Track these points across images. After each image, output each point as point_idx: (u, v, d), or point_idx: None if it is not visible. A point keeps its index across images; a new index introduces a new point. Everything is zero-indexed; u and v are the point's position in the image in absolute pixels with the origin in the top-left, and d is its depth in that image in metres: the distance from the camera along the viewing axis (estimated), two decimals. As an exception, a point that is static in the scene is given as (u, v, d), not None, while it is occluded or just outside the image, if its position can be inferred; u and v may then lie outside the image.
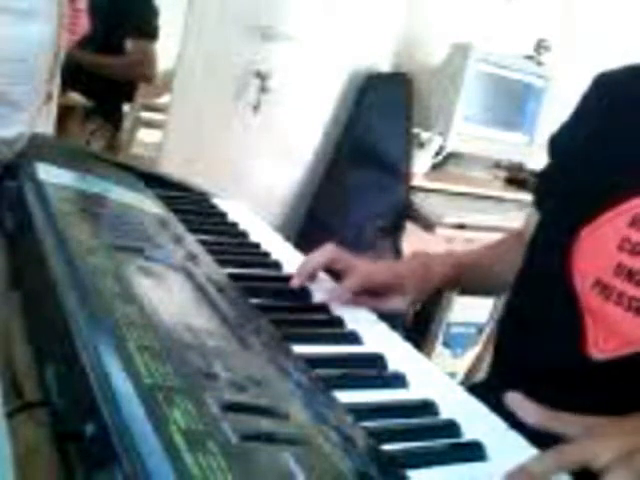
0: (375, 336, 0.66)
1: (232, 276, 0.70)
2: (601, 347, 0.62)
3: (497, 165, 2.23)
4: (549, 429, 0.49)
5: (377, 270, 0.78)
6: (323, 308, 0.72)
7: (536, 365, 0.69)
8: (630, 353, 0.60)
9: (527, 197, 2.08)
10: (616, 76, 0.74)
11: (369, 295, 0.76)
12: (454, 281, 0.85)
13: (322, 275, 0.79)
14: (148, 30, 2.23)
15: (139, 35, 2.20)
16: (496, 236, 1.83)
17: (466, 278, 0.86)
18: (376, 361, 0.61)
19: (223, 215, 0.98)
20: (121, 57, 2.21)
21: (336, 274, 0.79)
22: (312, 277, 0.75)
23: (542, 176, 0.83)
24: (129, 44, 2.19)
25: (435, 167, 1.99)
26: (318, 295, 0.74)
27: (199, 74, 1.71)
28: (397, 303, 0.78)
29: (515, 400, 0.51)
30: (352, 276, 0.74)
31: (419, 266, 0.82)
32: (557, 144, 0.80)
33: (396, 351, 0.64)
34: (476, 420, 0.54)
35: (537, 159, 2.11)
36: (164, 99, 2.25)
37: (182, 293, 0.59)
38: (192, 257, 0.69)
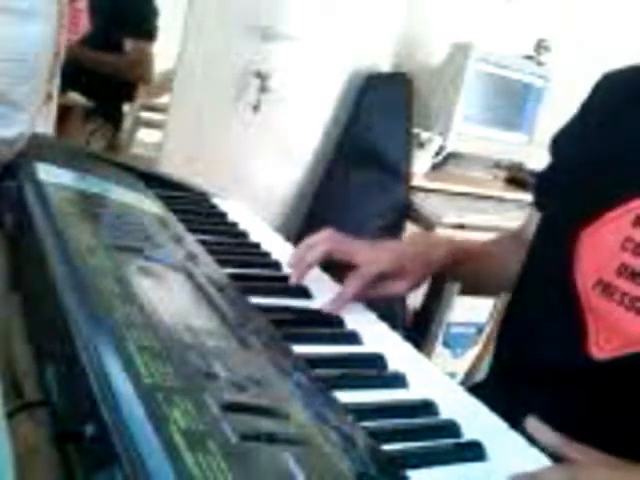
0: (375, 336, 0.66)
1: (232, 276, 0.70)
2: (602, 347, 0.62)
3: (497, 165, 2.23)
4: (563, 454, 0.51)
5: (379, 259, 0.76)
6: (323, 308, 0.72)
7: (537, 365, 0.69)
8: (631, 353, 0.60)
9: (527, 197, 2.08)
10: (620, 76, 0.74)
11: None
12: (452, 267, 0.83)
13: (323, 276, 0.79)
14: (147, 31, 2.22)
15: (138, 35, 2.20)
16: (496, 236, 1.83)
17: (463, 267, 0.85)
18: (376, 361, 0.61)
19: (223, 215, 0.98)
20: (120, 56, 2.21)
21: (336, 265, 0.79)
22: (310, 267, 0.74)
23: (542, 176, 0.83)
24: (128, 44, 2.19)
25: (435, 167, 1.99)
26: (319, 297, 0.74)
27: (199, 74, 1.71)
28: (397, 287, 0.76)
29: (534, 424, 0.53)
30: (353, 278, 0.72)
31: (420, 251, 0.81)
32: (559, 144, 0.80)
33: (396, 351, 0.64)
34: (476, 420, 0.54)
35: (537, 159, 2.11)
36: (164, 99, 2.25)
37: (182, 293, 0.59)
38: (192, 257, 0.69)
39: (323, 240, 0.74)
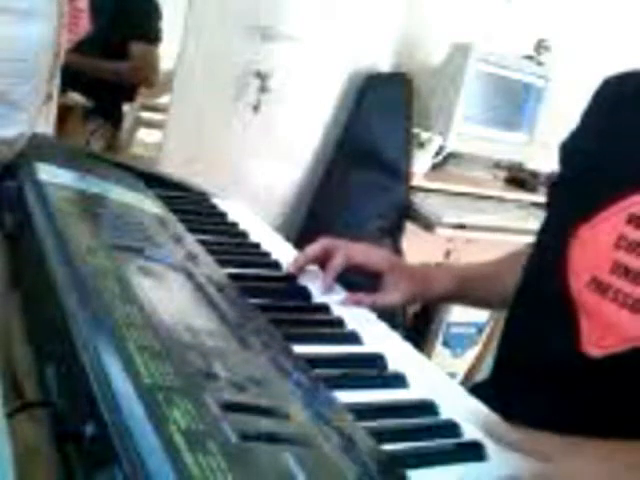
0: (375, 336, 0.66)
1: (232, 276, 0.70)
2: (597, 344, 0.63)
3: (497, 165, 2.23)
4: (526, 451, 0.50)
5: (370, 254, 0.80)
6: (323, 308, 0.72)
7: (535, 364, 0.69)
8: (626, 350, 0.60)
9: (527, 197, 2.08)
10: (619, 79, 0.75)
11: (366, 291, 0.77)
12: (455, 294, 0.86)
13: (320, 272, 0.79)
14: (152, 34, 2.22)
15: (143, 39, 2.19)
16: (496, 236, 1.84)
17: (469, 293, 0.87)
18: (376, 361, 0.61)
19: (223, 215, 0.98)
20: (125, 62, 2.20)
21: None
22: (308, 262, 0.78)
23: (553, 186, 0.83)
24: (133, 48, 2.18)
25: (435, 167, 1.99)
26: (319, 297, 0.74)
27: (199, 74, 1.70)
28: (391, 298, 0.79)
29: (491, 424, 0.51)
30: (338, 255, 0.77)
31: (419, 271, 0.83)
32: (565, 151, 0.80)
33: (396, 351, 0.64)
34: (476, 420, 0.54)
35: (537, 159, 2.12)
36: (164, 99, 2.25)
37: (182, 293, 0.59)
38: (192, 257, 0.69)
39: (322, 241, 0.79)
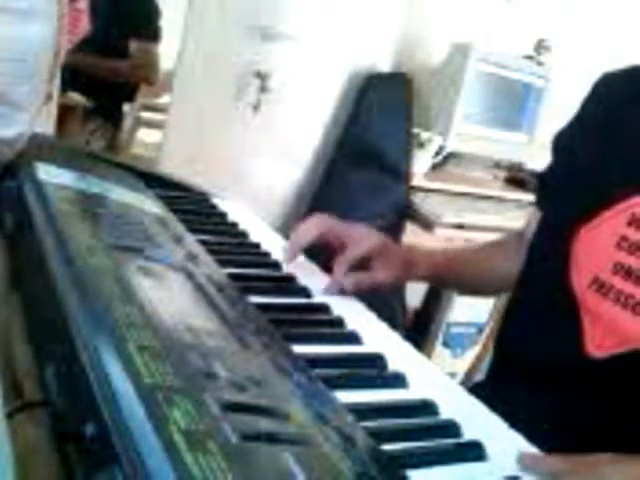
0: (375, 336, 0.66)
1: (232, 276, 0.70)
2: (599, 345, 0.63)
3: (497, 165, 2.23)
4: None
5: (364, 241, 0.80)
6: (323, 308, 0.72)
7: (535, 364, 0.69)
8: (628, 351, 0.60)
9: (527, 197, 2.08)
10: (620, 76, 0.75)
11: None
12: (437, 278, 0.86)
13: (325, 277, 0.79)
14: (151, 32, 2.22)
15: (142, 37, 2.20)
16: (496, 236, 1.84)
17: (453, 274, 0.88)
18: (376, 361, 0.61)
19: (223, 215, 0.98)
20: (125, 60, 2.20)
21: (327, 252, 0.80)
22: (302, 247, 0.77)
23: (544, 175, 0.83)
24: (133, 46, 2.19)
25: (435, 167, 1.99)
26: (319, 297, 0.74)
27: (199, 74, 1.71)
28: (380, 276, 0.79)
29: (528, 458, 0.50)
30: (340, 262, 0.76)
31: (405, 253, 0.84)
32: (560, 143, 0.80)
33: (396, 351, 0.64)
34: (476, 420, 0.54)
35: (537, 159, 2.12)
36: (164, 99, 2.25)
37: (182, 293, 0.59)
38: (192, 257, 0.69)
39: (315, 224, 0.77)
